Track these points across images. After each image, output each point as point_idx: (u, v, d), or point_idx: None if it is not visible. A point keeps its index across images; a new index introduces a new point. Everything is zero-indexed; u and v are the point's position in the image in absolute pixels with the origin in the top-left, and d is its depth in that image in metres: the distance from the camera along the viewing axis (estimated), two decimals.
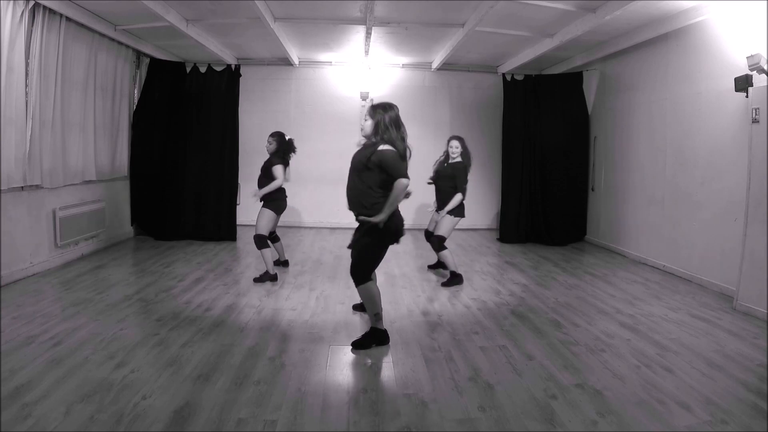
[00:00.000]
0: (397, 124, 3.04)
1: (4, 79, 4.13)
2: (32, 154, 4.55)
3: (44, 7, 4.52)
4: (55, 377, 2.57)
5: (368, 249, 3.09)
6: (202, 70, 6.88)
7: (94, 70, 5.64)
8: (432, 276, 5.10)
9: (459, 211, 4.76)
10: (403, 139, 3.04)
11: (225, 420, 2.24)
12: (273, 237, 5.14)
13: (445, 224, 4.75)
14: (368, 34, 6.06)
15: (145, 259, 5.52)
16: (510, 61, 7.50)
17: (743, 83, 4.04)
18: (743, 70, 4.05)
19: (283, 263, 5.30)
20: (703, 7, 4.52)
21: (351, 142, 8.88)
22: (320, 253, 6.06)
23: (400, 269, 5.33)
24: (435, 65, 7.82)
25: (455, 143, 4.82)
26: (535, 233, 7.15)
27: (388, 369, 2.86)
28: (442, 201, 4.83)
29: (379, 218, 2.93)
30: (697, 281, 4.86)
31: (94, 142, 5.76)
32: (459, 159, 4.80)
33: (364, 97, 8.04)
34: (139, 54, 6.68)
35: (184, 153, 6.72)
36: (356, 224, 3.17)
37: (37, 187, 4.72)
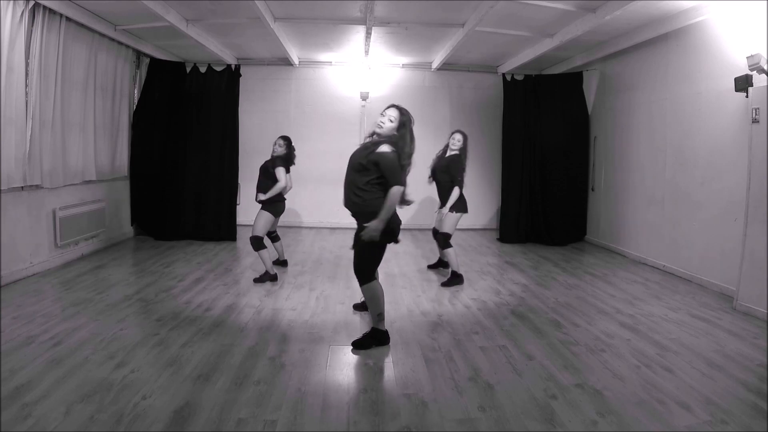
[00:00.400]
0: (412, 134, 3.07)
1: (4, 79, 4.13)
2: (32, 154, 4.55)
3: (44, 7, 4.51)
4: (55, 377, 2.57)
5: (366, 248, 3.08)
6: (202, 70, 6.88)
7: (94, 70, 5.64)
8: (432, 276, 5.10)
9: (460, 206, 4.75)
10: (410, 155, 3.05)
11: (225, 420, 2.24)
12: (273, 236, 5.14)
13: (449, 221, 4.75)
14: (368, 34, 6.06)
15: (145, 259, 5.52)
16: (510, 61, 7.50)
17: (743, 83, 4.04)
18: (743, 70, 4.05)
19: (282, 263, 5.30)
20: (703, 7, 4.52)
21: (351, 142, 8.89)
22: (320, 253, 6.06)
23: (400, 269, 5.33)
24: (435, 65, 7.81)
25: (458, 136, 4.81)
26: (535, 233, 7.15)
27: (388, 369, 2.86)
28: (442, 196, 4.83)
29: (375, 225, 2.91)
30: (697, 281, 4.86)
31: (94, 142, 5.76)
32: (456, 152, 4.79)
33: (364, 97, 8.04)
34: (139, 54, 6.68)
35: (184, 153, 6.71)
36: (356, 225, 3.18)
37: (37, 187, 4.72)
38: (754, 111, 3.88)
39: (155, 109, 6.65)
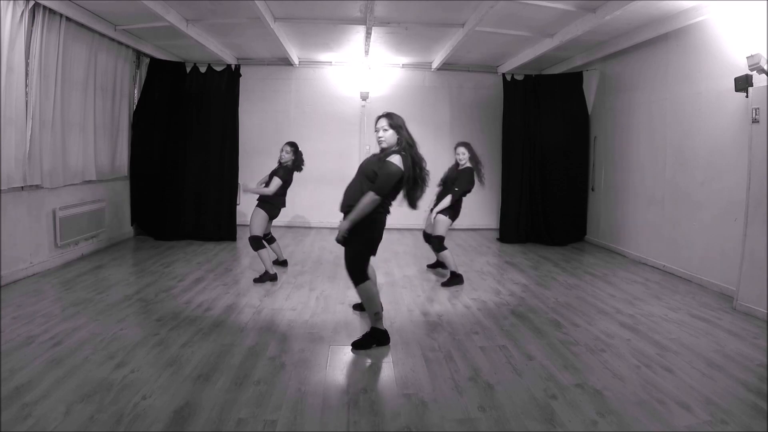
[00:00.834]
0: (406, 132, 3.10)
1: (4, 79, 4.13)
2: (32, 154, 4.55)
3: (44, 7, 4.52)
4: (55, 377, 2.57)
5: (353, 251, 3.10)
6: (202, 70, 6.88)
7: (94, 70, 5.64)
8: (432, 276, 5.10)
9: (453, 212, 4.76)
10: (414, 150, 3.08)
11: (225, 420, 2.24)
12: (269, 238, 5.14)
13: (440, 224, 4.75)
14: (368, 34, 6.06)
15: (145, 259, 5.52)
16: (510, 61, 7.50)
17: (743, 83, 4.04)
18: (743, 70, 4.05)
19: (281, 263, 5.30)
20: (703, 7, 4.52)
21: (351, 143, 8.94)
22: (320, 253, 6.06)
23: (400, 269, 5.33)
24: (435, 65, 7.81)
25: (461, 149, 4.82)
26: (535, 233, 7.15)
27: (388, 369, 2.86)
28: (439, 201, 4.82)
29: (342, 225, 2.98)
30: (697, 281, 4.86)
31: (94, 142, 5.76)
32: (467, 165, 4.79)
33: (364, 97, 8.04)
34: (139, 54, 6.68)
35: (184, 153, 6.72)
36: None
37: (37, 187, 4.72)
38: (754, 111, 3.88)
39: (155, 109, 6.65)
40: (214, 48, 6.63)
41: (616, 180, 6.51)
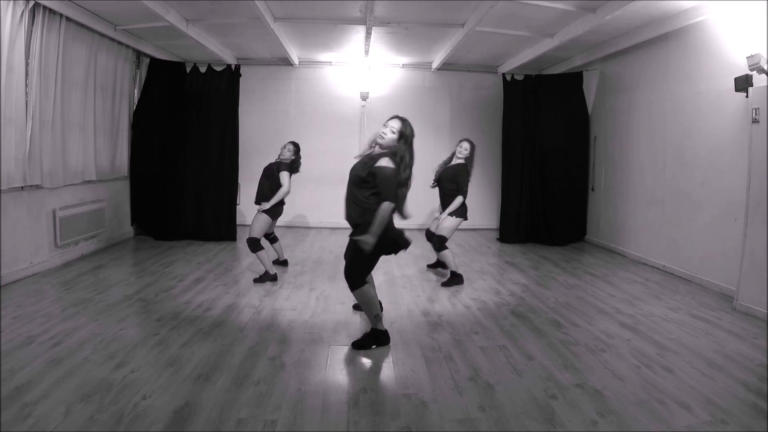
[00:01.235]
0: (411, 148, 3.04)
1: (4, 79, 4.13)
2: (32, 154, 4.55)
3: (44, 7, 4.51)
4: (55, 377, 2.57)
5: (361, 257, 3.02)
6: (202, 70, 6.88)
7: (94, 70, 5.64)
8: (432, 276, 5.10)
9: (461, 212, 4.76)
10: (409, 166, 3.00)
11: (225, 420, 2.24)
12: (271, 238, 5.14)
13: (447, 225, 4.74)
14: (368, 34, 6.06)
15: (145, 259, 5.52)
16: (510, 61, 7.50)
17: (743, 83, 4.04)
18: (743, 70, 4.05)
19: (282, 263, 5.30)
20: (703, 7, 4.52)
21: (351, 143, 8.93)
22: (320, 253, 6.06)
23: (400, 269, 5.33)
24: (435, 65, 7.81)
25: (466, 144, 4.81)
26: (535, 233, 7.15)
27: (388, 369, 2.86)
28: (444, 203, 4.82)
29: (366, 239, 2.87)
30: (697, 281, 4.86)
31: (94, 142, 5.76)
32: (462, 161, 4.79)
33: (364, 97, 8.05)
34: (139, 54, 6.68)
35: (184, 153, 6.72)
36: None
37: (37, 187, 4.72)
38: (754, 111, 3.88)
39: (155, 109, 6.65)
40: (214, 48, 6.64)
41: (616, 180, 6.51)
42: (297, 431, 2.19)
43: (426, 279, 4.98)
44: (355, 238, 2.97)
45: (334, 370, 2.83)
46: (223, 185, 6.74)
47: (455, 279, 4.72)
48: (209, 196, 6.73)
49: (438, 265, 5.28)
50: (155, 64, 6.74)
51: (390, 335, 3.25)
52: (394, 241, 3.05)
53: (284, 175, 4.64)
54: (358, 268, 3.09)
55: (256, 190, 4.80)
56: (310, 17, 5.67)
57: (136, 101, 6.74)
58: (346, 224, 3.13)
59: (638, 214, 5.97)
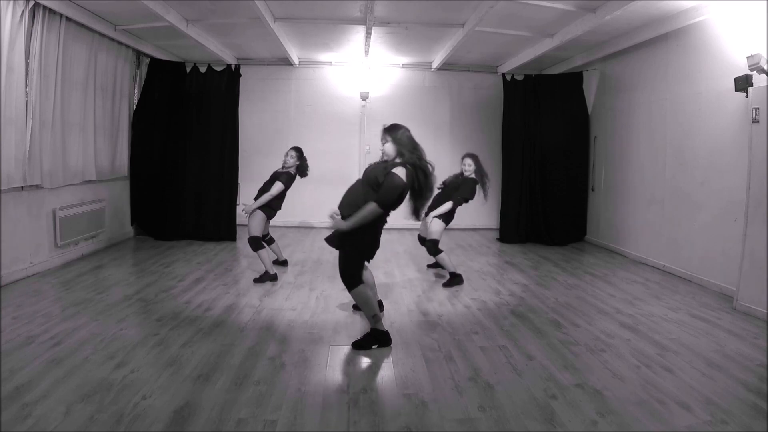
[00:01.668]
0: (413, 142, 3.09)
1: (4, 79, 4.13)
2: (32, 154, 4.55)
3: (44, 7, 4.51)
4: (55, 377, 2.57)
5: (347, 256, 3.15)
6: (202, 70, 6.88)
7: (94, 70, 5.64)
8: (432, 276, 5.10)
9: (446, 217, 4.76)
10: (420, 158, 3.06)
11: (225, 420, 2.24)
12: (268, 239, 5.14)
13: (435, 227, 4.74)
14: (368, 34, 6.06)
15: (145, 259, 5.52)
16: (510, 61, 7.50)
17: (743, 83, 4.04)
18: (743, 70, 4.05)
19: (282, 263, 5.30)
20: (703, 7, 4.52)
21: (351, 143, 8.93)
22: (320, 253, 6.06)
23: (400, 269, 5.33)
24: (435, 65, 7.81)
25: (468, 161, 4.84)
26: (535, 233, 7.15)
27: (388, 369, 2.86)
28: (435, 204, 4.77)
29: (341, 224, 3.02)
30: (697, 281, 4.85)
31: (94, 142, 5.76)
32: (472, 176, 4.80)
33: (364, 97, 8.04)
34: (139, 54, 6.68)
35: (184, 153, 6.71)
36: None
37: (37, 187, 4.72)
38: (754, 111, 3.88)
39: (155, 109, 6.65)
40: (214, 48, 6.63)
41: (616, 180, 6.51)
42: (297, 431, 2.19)
43: (426, 279, 4.98)
44: (332, 219, 3.07)
45: (334, 370, 2.83)
46: (223, 185, 6.74)
47: (455, 279, 4.72)
48: (209, 196, 6.73)
49: (438, 265, 5.28)
50: (155, 64, 6.74)
51: (390, 335, 3.25)
52: (368, 249, 3.14)
53: (277, 186, 4.68)
54: (348, 268, 3.13)
55: (257, 190, 4.81)
56: (310, 17, 5.67)
57: (136, 101, 6.73)
58: None
59: (638, 214, 5.97)
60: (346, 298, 4.19)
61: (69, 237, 5.16)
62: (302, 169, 4.89)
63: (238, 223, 6.87)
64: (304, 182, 7.55)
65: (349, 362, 2.96)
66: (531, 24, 5.59)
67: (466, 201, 4.80)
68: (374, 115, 8.02)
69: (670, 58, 5.32)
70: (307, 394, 2.51)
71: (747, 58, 3.92)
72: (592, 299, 4.31)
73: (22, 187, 4.53)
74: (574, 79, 7.09)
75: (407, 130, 3.13)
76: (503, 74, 7.38)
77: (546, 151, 7.15)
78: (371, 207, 2.94)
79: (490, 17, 5.09)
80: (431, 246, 4.74)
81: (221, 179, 6.73)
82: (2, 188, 4.20)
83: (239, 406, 2.37)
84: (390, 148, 3.08)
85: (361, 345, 3.13)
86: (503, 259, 6.02)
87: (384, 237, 3.22)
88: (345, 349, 3.12)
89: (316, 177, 7.80)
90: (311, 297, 4.24)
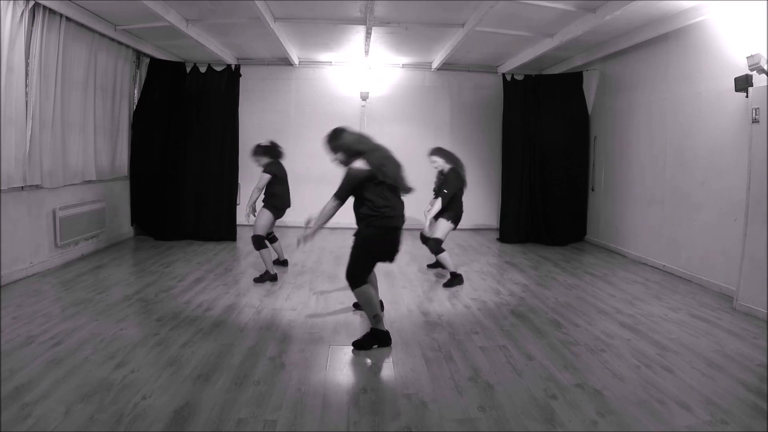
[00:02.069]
0: (354, 136, 3.33)
1: (4, 79, 4.13)
2: (32, 154, 4.55)
3: (44, 7, 4.51)
4: (55, 377, 2.57)
5: (360, 255, 3.19)
6: (202, 70, 6.88)
7: (94, 70, 5.64)
8: (432, 276, 5.10)
9: (453, 216, 4.75)
10: (360, 141, 3.27)
11: (225, 420, 2.24)
12: (271, 238, 5.14)
13: (440, 227, 4.74)
14: (368, 34, 6.06)
15: (145, 259, 5.52)
16: (510, 61, 7.50)
17: (743, 83, 4.04)
18: (743, 70, 4.05)
19: (282, 263, 5.30)
20: (703, 7, 4.52)
21: None
22: (320, 253, 6.06)
23: (400, 269, 5.33)
24: (435, 65, 7.81)
25: (433, 158, 4.82)
26: (535, 233, 7.15)
27: (388, 369, 2.86)
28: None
29: (310, 230, 3.21)
30: (697, 281, 4.85)
31: (94, 142, 5.76)
32: (448, 167, 4.77)
33: (364, 97, 8.04)
34: (139, 54, 6.68)
35: (184, 153, 6.72)
36: (356, 225, 3.28)
37: (37, 187, 4.72)
38: (754, 111, 3.88)
39: (155, 109, 6.65)
40: (214, 48, 6.63)
41: (616, 180, 6.51)
42: (297, 431, 2.19)
43: (426, 279, 4.98)
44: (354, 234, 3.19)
45: (334, 370, 2.83)
46: (223, 185, 6.74)
47: (455, 279, 4.72)
48: (209, 196, 6.73)
49: (438, 265, 5.28)
50: (155, 64, 6.74)
51: (390, 335, 3.25)
52: (391, 249, 3.22)
53: (262, 177, 4.74)
54: (358, 267, 3.15)
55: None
56: (310, 17, 5.67)
57: (136, 101, 6.74)
58: (346, 224, 3.21)
59: (638, 214, 5.97)
60: (346, 298, 4.19)
61: (69, 237, 5.16)
62: (275, 154, 4.88)
63: (238, 223, 6.87)
64: (304, 182, 7.60)
65: (349, 362, 2.96)
66: (531, 24, 5.59)
67: (458, 194, 4.76)
68: (374, 115, 8.01)
69: (670, 58, 5.32)
70: (307, 394, 2.51)
71: (747, 58, 3.92)
72: (592, 299, 4.32)
73: (22, 187, 4.53)
74: (574, 79, 7.09)
75: (342, 130, 3.39)
76: (503, 74, 7.38)
77: (546, 151, 7.14)
78: (328, 202, 3.15)
79: (490, 17, 5.09)
80: (434, 244, 4.74)
81: (221, 179, 6.73)
82: (2, 188, 4.20)
83: (239, 406, 2.37)
84: (340, 156, 3.30)
85: (361, 345, 3.13)
86: (503, 259, 6.02)
87: None
88: (345, 349, 3.12)
89: (316, 177, 7.85)
90: (311, 297, 4.24)
